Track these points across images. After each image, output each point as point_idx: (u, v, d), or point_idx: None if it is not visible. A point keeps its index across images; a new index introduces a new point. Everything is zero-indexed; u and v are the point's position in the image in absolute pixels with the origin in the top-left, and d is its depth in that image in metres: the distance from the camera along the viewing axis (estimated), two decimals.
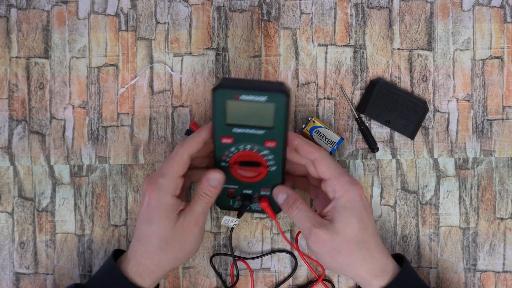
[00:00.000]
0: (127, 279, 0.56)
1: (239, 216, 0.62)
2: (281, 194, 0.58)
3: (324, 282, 0.66)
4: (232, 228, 0.64)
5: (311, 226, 0.55)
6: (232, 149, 0.56)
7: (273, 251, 0.67)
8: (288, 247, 0.67)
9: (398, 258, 0.60)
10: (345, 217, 0.54)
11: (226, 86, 0.52)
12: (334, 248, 0.55)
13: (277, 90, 0.52)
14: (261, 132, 0.54)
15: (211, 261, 0.66)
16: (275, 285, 0.67)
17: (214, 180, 0.56)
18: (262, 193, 0.60)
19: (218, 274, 0.66)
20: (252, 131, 0.55)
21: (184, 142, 0.56)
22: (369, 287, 0.57)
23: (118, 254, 0.61)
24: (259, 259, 0.67)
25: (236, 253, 0.67)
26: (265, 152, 0.56)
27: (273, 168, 0.57)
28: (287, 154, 0.58)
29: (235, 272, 0.67)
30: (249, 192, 0.61)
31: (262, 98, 0.52)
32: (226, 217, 0.63)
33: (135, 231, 0.58)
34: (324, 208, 0.56)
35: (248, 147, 0.56)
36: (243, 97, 0.52)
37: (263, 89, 0.52)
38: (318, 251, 0.55)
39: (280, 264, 0.67)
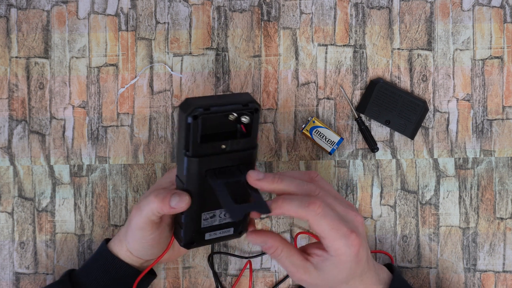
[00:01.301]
0: (113, 254, 0.58)
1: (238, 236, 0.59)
2: (257, 242, 0.52)
3: None
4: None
5: (295, 272, 0.52)
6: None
7: None
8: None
9: (390, 268, 0.59)
10: (334, 270, 0.51)
11: (186, 107, 0.47)
12: (321, 286, 0.53)
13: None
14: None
15: (209, 260, 0.66)
16: (274, 284, 0.67)
17: (177, 204, 0.52)
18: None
19: (215, 274, 0.66)
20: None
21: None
22: None
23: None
24: (259, 258, 0.67)
25: (237, 253, 0.67)
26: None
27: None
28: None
29: (232, 272, 0.67)
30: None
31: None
32: None
33: (128, 216, 0.60)
34: (318, 244, 0.53)
35: None
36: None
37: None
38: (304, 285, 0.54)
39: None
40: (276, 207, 0.50)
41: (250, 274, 0.67)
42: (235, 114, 0.49)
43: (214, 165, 0.49)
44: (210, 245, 0.67)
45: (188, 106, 0.47)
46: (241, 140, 0.50)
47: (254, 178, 0.49)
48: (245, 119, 0.49)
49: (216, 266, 0.67)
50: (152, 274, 0.63)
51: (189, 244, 0.54)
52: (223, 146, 0.49)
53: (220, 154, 0.49)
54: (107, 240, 0.62)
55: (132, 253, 0.58)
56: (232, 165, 0.50)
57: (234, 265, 0.67)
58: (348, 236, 0.50)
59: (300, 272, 0.52)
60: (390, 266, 0.59)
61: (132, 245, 0.57)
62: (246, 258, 0.67)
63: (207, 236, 0.54)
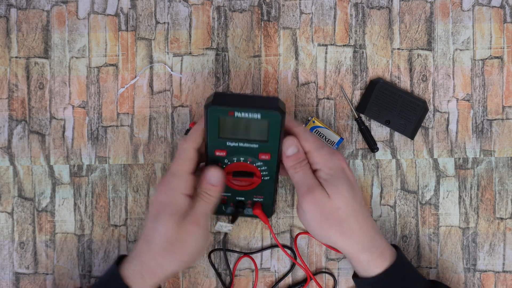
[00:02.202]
0: (125, 284, 0.55)
1: (232, 221, 0.62)
2: (291, 147, 0.56)
3: (326, 274, 0.66)
4: (226, 234, 0.64)
5: (312, 184, 0.55)
6: (226, 160, 0.56)
7: (274, 246, 0.67)
8: (291, 244, 0.67)
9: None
10: (332, 184, 0.54)
11: (219, 103, 0.52)
12: (325, 213, 0.54)
13: (271, 107, 0.52)
14: (255, 145, 0.54)
15: (209, 257, 0.66)
16: (274, 284, 0.67)
17: (213, 178, 0.55)
18: (255, 199, 0.60)
19: (216, 271, 0.66)
20: (246, 144, 0.54)
21: (187, 137, 0.55)
22: (355, 261, 0.56)
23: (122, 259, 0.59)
24: (259, 258, 0.67)
25: (223, 264, 0.67)
26: (259, 163, 0.56)
27: (267, 178, 0.57)
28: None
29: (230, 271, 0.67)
30: (242, 199, 0.60)
31: (256, 116, 0.52)
32: (219, 223, 0.62)
33: (143, 230, 0.57)
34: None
35: (242, 159, 0.56)
36: (237, 114, 0.52)
37: (257, 106, 0.52)
38: (310, 214, 0.55)
39: (280, 264, 0.67)
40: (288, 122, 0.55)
41: (256, 270, 0.67)
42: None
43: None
44: (211, 246, 0.67)
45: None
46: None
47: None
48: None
49: (216, 266, 0.67)
50: None
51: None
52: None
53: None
54: (118, 260, 0.58)
55: (150, 270, 0.55)
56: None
57: (233, 265, 0.67)
58: (332, 150, 0.56)
59: (315, 187, 0.55)
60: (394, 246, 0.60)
61: (189, 261, 0.56)
62: (243, 253, 0.67)
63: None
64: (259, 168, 0.56)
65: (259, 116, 0.51)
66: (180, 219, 0.54)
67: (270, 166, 0.56)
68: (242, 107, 0.51)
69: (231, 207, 0.62)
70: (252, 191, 0.59)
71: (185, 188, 0.55)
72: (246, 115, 0.52)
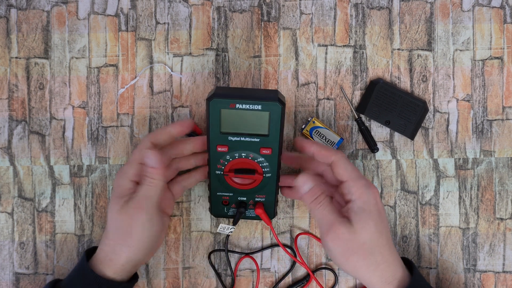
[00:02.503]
0: (93, 271, 0.56)
1: (234, 223, 0.62)
2: (307, 184, 0.55)
3: (326, 270, 0.66)
4: (228, 236, 0.65)
5: (333, 221, 0.54)
6: (227, 157, 0.56)
7: (275, 245, 0.67)
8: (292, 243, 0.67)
9: (407, 263, 0.59)
10: (362, 219, 0.54)
11: (221, 96, 0.52)
12: (350, 248, 0.54)
13: (271, 98, 0.52)
14: (256, 140, 0.55)
15: (209, 257, 0.66)
16: (274, 284, 0.67)
17: (149, 160, 0.56)
18: (257, 199, 0.60)
19: (216, 271, 0.67)
20: (247, 139, 0.55)
21: (154, 131, 0.57)
22: None
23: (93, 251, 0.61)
24: (260, 258, 0.67)
25: (223, 265, 0.67)
26: (261, 159, 0.56)
27: (268, 175, 0.57)
28: (307, 163, 0.59)
29: (229, 272, 0.67)
30: (244, 199, 0.61)
31: (257, 107, 0.52)
32: (221, 225, 0.63)
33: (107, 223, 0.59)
34: (340, 210, 0.56)
35: (243, 155, 0.56)
36: (238, 106, 0.52)
37: (258, 98, 0.52)
38: (335, 249, 0.54)
39: (280, 264, 0.67)
40: (308, 145, 0.56)
41: (258, 271, 0.67)
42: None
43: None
44: (211, 246, 0.67)
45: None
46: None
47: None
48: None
49: (216, 266, 0.67)
50: (134, 278, 0.61)
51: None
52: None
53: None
54: (90, 250, 0.60)
55: (130, 265, 0.57)
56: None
57: (234, 265, 0.67)
58: (368, 183, 0.55)
59: (338, 223, 0.54)
60: (407, 262, 0.60)
61: (138, 250, 0.56)
62: (245, 254, 0.67)
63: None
64: (260, 165, 0.56)
65: (259, 107, 0.52)
66: (124, 203, 0.56)
67: (272, 162, 0.56)
68: (243, 99, 0.52)
69: (232, 208, 0.62)
70: (253, 190, 0.59)
71: (133, 175, 0.57)
72: (247, 106, 0.52)
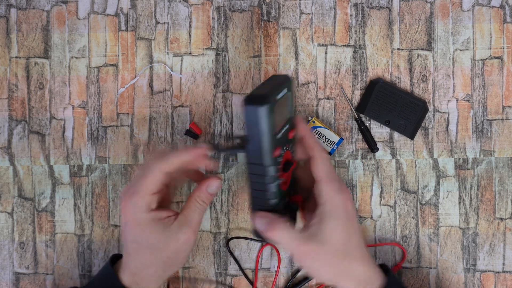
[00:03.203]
0: (122, 284, 0.55)
1: (295, 221, 0.58)
2: (259, 221, 0.54)
3: None
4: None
5: (296, 244, 0.52)
6: (279, 158, 0.50)
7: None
8: None
9: (384, 269, 0.58)
10: (329, 227, 0.52)
11: (261, 100, 0.45)
12: (320, 260, 0.53)
13: (284, 78, 0.50)
14: (287, 126, 0.50)
15: (227, 245, 0.66)
16: (274, 284, 0.67)
17: (213, 187, 0.56)
18: (292, 194, 0.57)
19: (234, 258, 0.67)
20: (284, 129, 0.50)
21: (159, 157, 0.53)
22: None
23: (116, 258, 0.59)
24: (259, 258, 0.67)
25: (237, 253, 0.67)
26: (290, 144, 0.52)
27: (294, 160, 0.53)
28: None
29: (232, 272, 0.67)
30: (287, 200, 0.56)
31: (285, 91, 0.48)
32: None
33: (124, 245, 0.56)
34: (311, 216, 0.54)
35: (285, 148, 0.51)
36: (278, 100, 0.47)
37: (279, 83, 0.48)
38: (307, 265, 0.54)
39: (280, 265, 0.67)
40: (302, 127, 0.53)
41: (279, 259, 0.67)
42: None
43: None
44: (211, 246, 0.67)
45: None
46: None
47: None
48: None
49: (216, 267, 0.67)
50: None
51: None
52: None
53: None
54: (113, 259, 0.58)
55: (145, 279, 0.55)
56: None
57: (234, 265, 0.67)
58: (341, 187, 0.52)
59: (301, 243, 0.52)
60: (383, 267, 0.58)
61: (179, 266, 0.56)
62: (260, 241, 0.65)
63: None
64: (291, 151, 0.52)
65: (286, 90, 0.48)
66: (160, 230, 0.54)
67: (293, 145, 0.53)
68: (276, 90, 0.46)
69: (291, 210, 0.57)
70: (290, 184, 0.55)
71: (148, 206, 0.54)
72: (281, 96, 0.47)
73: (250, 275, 0.67)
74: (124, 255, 0.56)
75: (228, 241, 0.67)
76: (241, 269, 0.67)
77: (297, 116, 0.52)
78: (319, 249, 0.52)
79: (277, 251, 0.67)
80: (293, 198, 0.57)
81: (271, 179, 0.50)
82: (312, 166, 0.53)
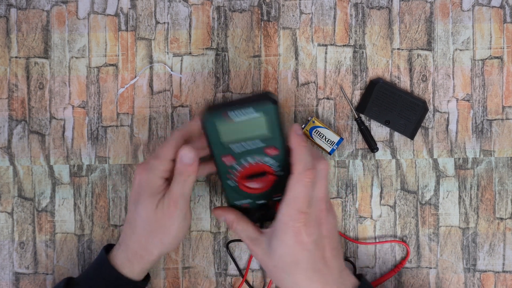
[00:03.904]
0: (115, 268, 0.57)
1: (261, 227, 0.61)
2: (220, 216, 0.58)
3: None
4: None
5: (250, 244, 0.56)
6: (236, 166, 0.56)
7: None
8: None
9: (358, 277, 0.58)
10: (277, 245, 0.53)
11: (212, 109, 0.52)
12: (269, 265, 0.54)
13: (261, 99, 0.52)
14: (259, 142, 0.54)
15: (227, 247, 0.66)
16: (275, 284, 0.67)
17: (185, 157, 0.55)
18: (275, 199, 0.60)
19: (233, 259, 0.67)
20: (249, 144, 0.54)
21: (180, 127, 0.56)
22: None
23: (111, 247, 0.61)
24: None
25: (237, 252, 0.67)
26: (268, 159, 0.56)
27: (281, 173, 0.57)
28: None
29: (232, 272, 0.67)
30: (263, 201, 0.60)
31: (250, 110, 0.51)
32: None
33: (127, 214, 0.59)
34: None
35: (251, 161, 0.55)
36: (231, 114, 0.51)
37: (248, 102, 0.52)
38: (262, 264, 0.56)
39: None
40: (294, 140, 0.53)
41: (247, 268, 0.67)
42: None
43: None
44: (211, 246, 0.67)
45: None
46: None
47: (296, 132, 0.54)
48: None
49: (216, 267, 0.67)
50: (147, 277, 0.63)
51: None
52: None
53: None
54: (107, 247, 0.60)
55: (154, 262, 0.57)
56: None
57: (234, 265, 0.67)
58: (300, 213, 0.52)
59: (252, 244, 0.55)
60: (359, 276, 0.58)
61: (169, 246, 0.57)
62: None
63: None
64: (270, 165, 0.56)
65: (252, 110, 0.51)
66: (157, 202, 0.56)
67: (280, 160, 0.56)
68: (235, 107, 0.51)
69: (256, 214, 0.61)
70: (270, 191, 0.58)
71: (163, 172, 0.56)
72: (240, 112, 0.51)
73: (250, 275, 0.67)
74: (124, 225, 0.59)
75: (228, 243, 0.67)
76: (240, 272, 0.67)
77: (293, 132, 0.53)
78: (269, 255, 0.54)
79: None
80: (277, 206, 0.59)
81: (222, 176, 0.56)
82: (287, 188, 0.53)
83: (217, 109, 0.52)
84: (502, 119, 0.67)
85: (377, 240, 0.67)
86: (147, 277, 0.62)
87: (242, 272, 0.67)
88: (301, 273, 0.53)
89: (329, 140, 0.65)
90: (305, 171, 0.52)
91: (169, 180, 0.57)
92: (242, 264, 0.67)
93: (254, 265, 0.67)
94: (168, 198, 0.56)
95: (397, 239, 0.67)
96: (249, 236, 0.56)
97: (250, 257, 0.67)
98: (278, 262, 0.53)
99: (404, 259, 0.66)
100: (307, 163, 0.52)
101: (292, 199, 0.52)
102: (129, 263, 0.58)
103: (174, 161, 0.56)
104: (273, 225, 0.54)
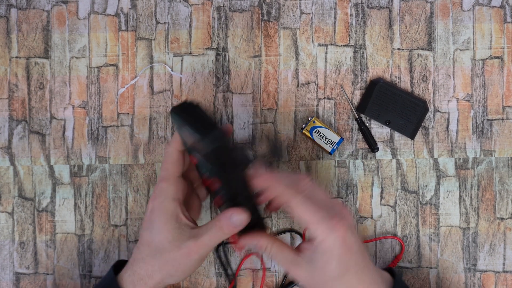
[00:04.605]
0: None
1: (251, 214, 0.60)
2: (252, 243, 0.55)
3: None
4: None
5: (289, 266, 0.53)
6: (202, 170, 0.55)
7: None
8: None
9: (391, 272, 0.58)
10: (323, 261, 0.51)
11: (177, 111, 0.53)
12: (315, 283, 0.53)
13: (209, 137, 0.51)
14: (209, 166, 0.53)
15: (216, 251, 0.66)
16: (274, 284, 0.67)
17: (238, 221, 0.53)
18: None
19: (222, 264, 0.67)
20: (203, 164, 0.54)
21: (170, 140, 0.55)
22: None
23: (121, 264, 0.59)
24: (259, 258, 0.67)
25: (237, 253, 0.67)
26: (218, 188, 0.54)
27: (229, 203, 0.54)
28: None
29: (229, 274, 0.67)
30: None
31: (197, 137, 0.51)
32: None
33: (139, 239, 0.56)
34: (307, 241, 0.55)
35: (207, 172, 0.54)
36: (182, 123, 0.52)
37: (199, 132, 0.51)
38: (301, 284, 0.54)
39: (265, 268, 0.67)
40: (265, 180, 0.52)
41: (264, 270, 0.67)
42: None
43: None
44: None
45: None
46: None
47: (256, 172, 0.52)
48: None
49: (216, 266, 0.67)
50: None
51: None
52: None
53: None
54: (116, 265, 0.58)
55: (142, 280, 0.55)
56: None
57: (233, 265, 0.67)
58: (330, 219, 0.50)
59: (293, 267, 0.53)
60: (390, 270, 0.58)
61: (180, 278, 0.55)
62: (251, 252, 0.67)
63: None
64: (220, 195, 0.55)
65: (196, 134, 0.51)
66: (173, 228, 0.53)
67: (225, 190, 0.54)
68: (185, 123, 0.51)
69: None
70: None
71: (174, 193, 0.54)
72: (186, 128, 0.51)
73: (250, 275, 0.67)
74: (134, 249, 0.56)
75: (217, 247, 0.66)
76: (227, 276, 0.67)
77: (256, 169, 0.52)
78: (312, 276, 0.52)
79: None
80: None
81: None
82: (294, 213, 0.52)
83: (175, 109, 0.52)
84: (502, 119, 0.67)
85: (377, 241, 0.67)
86: None
87: (230, 277, 0.67)
88: (353, 277, 0.52)
89: (330, 140, 0.65)
90: (296, 192, 0.51)
91: (180, 200, 0.55)
92: (243, 264, 0.67)
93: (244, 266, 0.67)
94: (193, 243, 0.53)
95: (389, 235, 0.67)
96: (287, 259, 0.53)
97: (241, 262, 0.67)
98: (328, 275, 0.51)
99: (399, 254, 0.67)
100: (292, 184, 0.52)
101: (308, 214, 0.51)
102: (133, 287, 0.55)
103: (182, 177, 0.55)
104: (308, 243, 0.52)
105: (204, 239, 0.53)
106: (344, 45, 0.67)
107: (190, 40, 0.67)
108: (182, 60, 0.67)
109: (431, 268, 0.67)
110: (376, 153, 0.67)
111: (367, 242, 0.67)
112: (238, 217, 0.53)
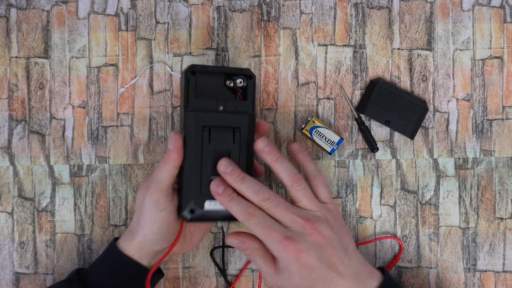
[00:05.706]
0: (122, 252, 0.58)
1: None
2: (238, 242, 0.56)
3: None
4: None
5: (267, 272, 0.55)
6: None
7: None
8: None
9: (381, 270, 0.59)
10: (289, 276, 0.53)
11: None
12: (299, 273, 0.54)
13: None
14: None
15: (211, 255, 0.66)
16: None
17: (169, 142, 0.56)
18: None
19: (219, 268, 0.67)
20: None
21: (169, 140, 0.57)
22: None
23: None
24: None
25: (237, 253, 0.67)
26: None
27: None
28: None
29: (232, 272, 0.67)
30: None
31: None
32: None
33: (135, 209, 0.59)
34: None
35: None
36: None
37: None
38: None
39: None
40: (226, 200, 0.54)
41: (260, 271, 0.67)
42: (232, 80, 0.57)
43: (210, 123, 0.55)
44: (211, 246, 0.67)
45: (190, 67, 0.56)
46: (237, 103, 0.57)
47: (222, 170, 0.54)
48: (240, 82, 0.57)
49: (216, 267, 0.67)
50: (159, 273, 0.63)
51: (188, 212, 0.56)
52: (221, 108, 0.56)
53: (216, 112, 0.56)
54: (116, 239, 0.61)
55: (144, 245, 0.58)
56: (228, 127, 0.55)
57: (234, 265, 0.67)
58: (280, 242, 0.52)
59: (272, 274, 0.54)
60: (382, 270, 0.59)
61: (146, 230, 0.57)
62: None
63: (207, 205, 0.55)
64: None
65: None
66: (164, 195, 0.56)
67: None
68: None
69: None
70: None
71: (175, 169, 0.56)
72: None
73: (250, 275, 0.67)
74: (133, 217, 0.60)
75: (212, 250, 0.66)
76: (226, 280, 0.67)
77: (298, 150, 0.59)
78: (286, 284, 0.54)
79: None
80: None
81: None
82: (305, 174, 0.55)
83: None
84: (502, 119, 0.67)
85: (377, 241, 0.67)
86: (160, 272, 0.63)
87: (228, 280, 0.67)
88: (343, 259, 0.54)
89: (329, 140, 0.65)
90: (249, 215, 0.53)
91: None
92: (241, 264, 0.67)
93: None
94: (143, 181, 0.58)
95: (388, 235, 0.67)
96: (268, 265, 0.54)
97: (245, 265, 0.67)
98: (297, 285, 0.53)
99: (398, 254, 0.67)
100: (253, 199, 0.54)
101: (260, 237, 0.53)
102: (125, 243, 0.59)
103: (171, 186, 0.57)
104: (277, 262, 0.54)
105: (153, 173, 0.57)
106: (344, 45, 0.67)
107: (190, 40, 0.67)
108: (182, 60, 0.67)
109: (430, 268, 0.67)
110: (376, 153, 0.67)
111: (366, 243, 0.67)
112: (171, 138, 0.55)
